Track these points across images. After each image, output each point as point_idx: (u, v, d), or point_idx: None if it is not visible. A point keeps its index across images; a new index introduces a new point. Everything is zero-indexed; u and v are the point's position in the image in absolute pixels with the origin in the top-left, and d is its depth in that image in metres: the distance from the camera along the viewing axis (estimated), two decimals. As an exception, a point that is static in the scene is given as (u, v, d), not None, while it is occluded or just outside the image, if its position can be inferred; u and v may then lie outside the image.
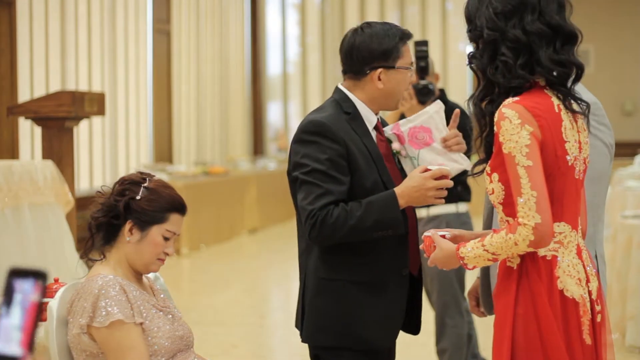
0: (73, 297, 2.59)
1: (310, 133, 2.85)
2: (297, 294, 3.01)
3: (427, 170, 2.82)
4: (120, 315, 2.51)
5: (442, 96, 4.55)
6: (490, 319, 2.67)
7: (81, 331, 2.53)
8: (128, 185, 2.68)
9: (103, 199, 2.69)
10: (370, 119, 2.98)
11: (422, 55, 4.49)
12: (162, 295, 2.81)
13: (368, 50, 2.92)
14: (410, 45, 3.02)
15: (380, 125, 3.04)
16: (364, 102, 2.96)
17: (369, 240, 2.85)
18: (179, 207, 2.71)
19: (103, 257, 2.68)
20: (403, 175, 2.96)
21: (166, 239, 2.68)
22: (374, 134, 2.99)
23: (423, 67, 4.44)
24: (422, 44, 4.56)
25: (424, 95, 4.39)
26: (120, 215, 2.64)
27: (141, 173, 2.75)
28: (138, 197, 2.64)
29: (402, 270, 2.92)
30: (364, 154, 2.89)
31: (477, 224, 2.95)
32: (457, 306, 4.57)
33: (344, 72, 3.00)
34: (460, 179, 4.48)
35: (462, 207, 4.54)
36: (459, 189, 4.48)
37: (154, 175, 2.74)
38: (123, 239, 2.66)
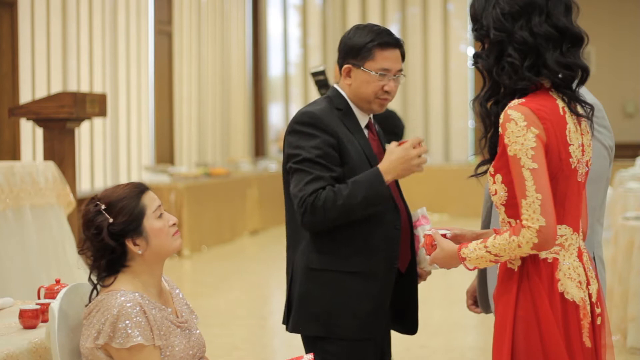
0: (92, 307, 2.57)
1: (303, 124, 2.90)
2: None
3: (403, 143, 2.87)
4: (140, 339, 2.50)
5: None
6: (490, 319, 2.67)
7: (95, 347, 2.53)
8: (94, 222, 2.62)
9: (90, 251, 2.64)
10: (361, 117, 2.99)
11: (322, 84, 4.72)
12: (180, 296, 2.81)
13: (343, 45, 3.00)
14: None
15: (372, 124, 3.06)
16: (351, 99, 2.99)
17: (360, 231, 2.88)
18: (140, 189, 2.66)
19: (115, 278, 2.65)
20: None
21: (159, 216, 2.65)
22: (365, 131, 3.01)
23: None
24: (318, 74, 4.68)
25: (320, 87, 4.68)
26: (115, 246, 2.60)
27: (87, 204, 2.66)
28: (111, 220, 2.60)
29: (392, 264, 2.94)
30: (356, 148, 2.92)
31: (476, 224, 2.95)
32: None
33: None
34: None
35: None
36: None
37: (95, 195, 2.67)
38: (134, 254, 2.63)
